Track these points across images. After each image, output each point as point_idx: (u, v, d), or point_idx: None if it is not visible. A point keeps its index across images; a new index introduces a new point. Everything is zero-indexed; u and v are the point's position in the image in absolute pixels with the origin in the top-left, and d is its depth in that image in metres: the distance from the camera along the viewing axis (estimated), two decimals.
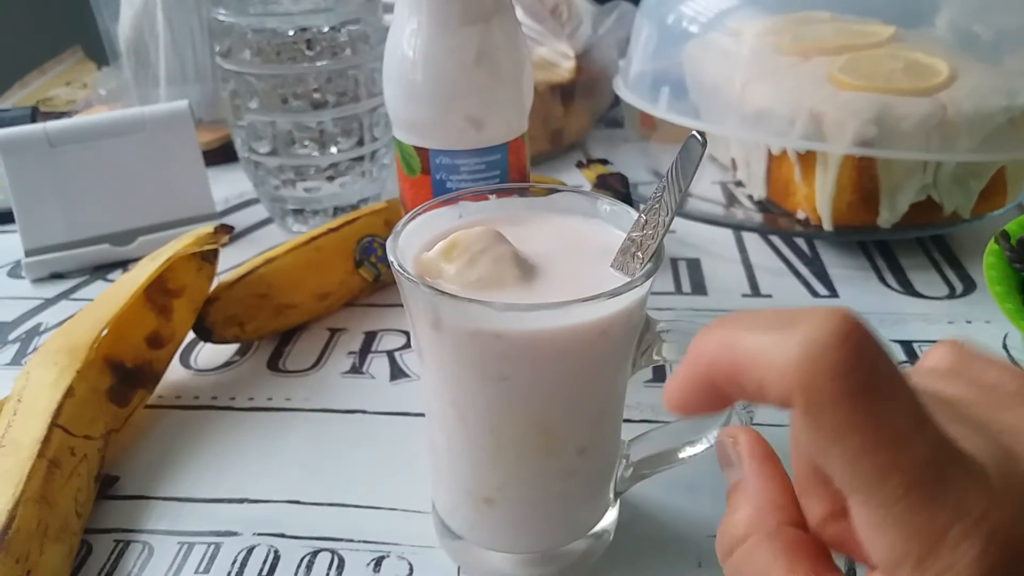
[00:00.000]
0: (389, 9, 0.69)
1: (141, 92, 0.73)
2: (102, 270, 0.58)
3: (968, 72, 0.53)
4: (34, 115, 0.70)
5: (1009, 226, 0.41)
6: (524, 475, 0.32)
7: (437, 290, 0.28)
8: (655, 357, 0.32)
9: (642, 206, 0.30)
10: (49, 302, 0.55)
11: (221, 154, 0.70)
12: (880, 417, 0.17)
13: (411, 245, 0.32)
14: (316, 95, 0.56)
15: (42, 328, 0.52)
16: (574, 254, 0.32)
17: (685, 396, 0.22)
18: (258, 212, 0.65)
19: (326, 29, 0.55)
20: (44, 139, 0.57)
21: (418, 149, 0.41)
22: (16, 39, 0.98)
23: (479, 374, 0.30)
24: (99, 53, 0.97)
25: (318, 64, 0.55)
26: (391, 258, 0.30)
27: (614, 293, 0.28)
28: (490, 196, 0.35)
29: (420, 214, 0.33)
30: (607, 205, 0.34)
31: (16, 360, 0.49)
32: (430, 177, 0.41)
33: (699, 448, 0.34)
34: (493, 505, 0.33)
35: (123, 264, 0.59)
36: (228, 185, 0.68)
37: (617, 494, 0.35)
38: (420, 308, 0.30)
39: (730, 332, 0.20)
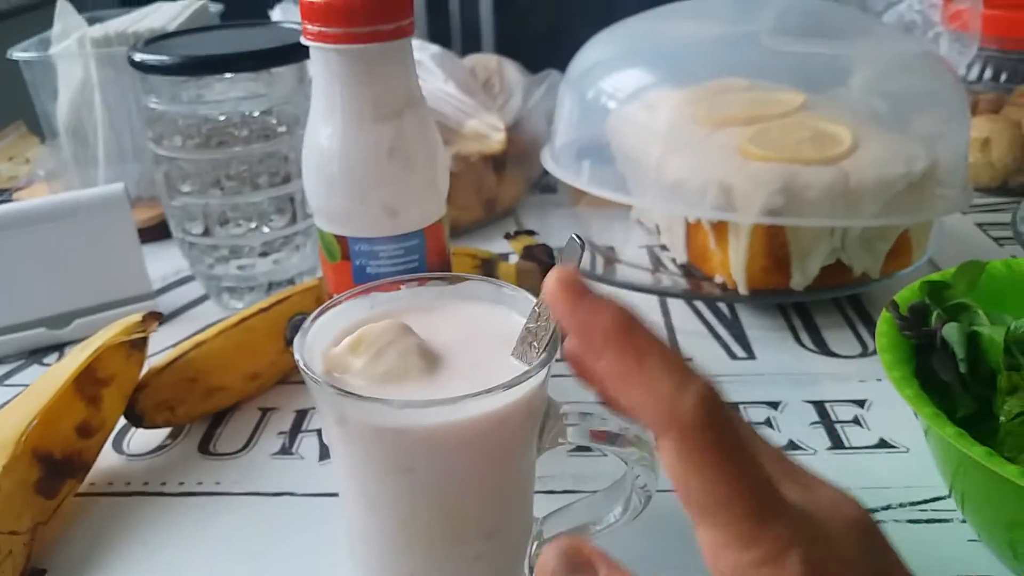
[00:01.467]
0: None
1: (80, 171, 0.74)
2: (38, 354, 0.59)
3: (870, 140, 0.56)
4: None
5: (899, 295, 0.43)
6: (434, 561, 0.33)
7: (339, 389, 0.30)
8: (560, 440, 0.33)
9: (537, 299, 0.31)
10: None
11: (160, 230, 0.71)
12: (728, 459, 0.21)
13: (321, 339, 0.34)
14: (249, 176, 0.57)
15: None
16: (479, 343, 0.34)
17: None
18: (195, 289, 0.66)
19: (257, 113, 0.57)
20: None
21: (337, 237, 0.43)
22: None
23: (385, 467, 0.31)
24: (40, 127, 0.98)
25: (250, 147, 0.57)
26: (297, 356, 0.32)
27: (510, 385, 0.30)
28: (402, 286, 0.37)
29: (330, 308, 0.35)
30: (509, 291, 0.36)
31: None
32: (351, 263, 0.43)
33: (608, 522, 0.35)
34: None
35: (60, 347, 0.59)
36: (166, 262, 0.69)
37: (531, 570, 0.36)
38: (325, 405, 0.31)
39: (633, 358, 0.22)
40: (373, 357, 0.32)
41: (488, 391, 0.29)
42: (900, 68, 0.64)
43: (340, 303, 0.35)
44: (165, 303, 0.64)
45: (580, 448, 0.46)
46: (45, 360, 0.58)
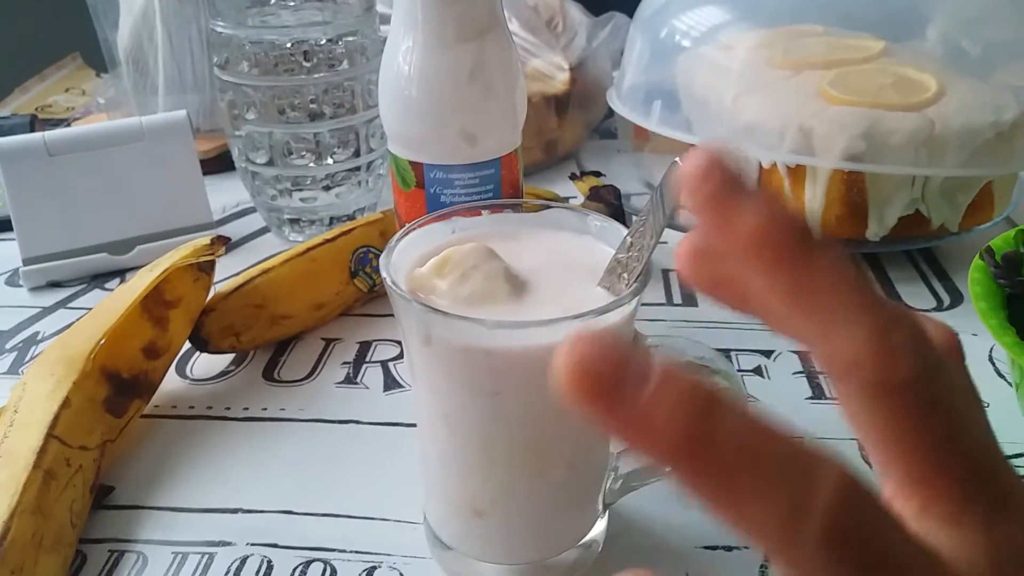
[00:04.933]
0: (386, 20, 0.70)
1: (139, 100, 0.73)
2: (100, 279, 0.59)
3: (956, 87, 0.53)
4: (32, 123, 0.70)
5: (994, 242, 0.41)
6: (514, 489, 0.32)
7: (428, 306, 0.29)
8: None
9: (629, 227, 0.30)
10: (46, 311, 0.55)
11: (219, 163, 0.71)
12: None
13: (404, 261, 0.33)
14: (313, 106, 0.56)
15: (39, 337, 0.53)
16: (564, 271, 0.33)
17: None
18: (255, 221, 0.65)
19: (323, 41, 0.56)
20: (43, 148, 0.57)
21: (413, 163, 0.42)
22: (16, 45, 0.98)
23: (469, 389, 0.30)
24: (98, 59, 0.97)
25: (315, 76, 0.56)
26: (384, 274, 0.31)
27: (602, 311, 0.28)
28: (483, 212, 0.36)
29: (413, 230, 0.34)
30: (597, 222, 0.35)
31: (13, 369, 0.50)
32: (424, 191, 0.42)
33: None
34: (484, 517, 0.33)
35: (121, 273, 0.59)
36: (226, 194, 0.69)
37: (606, 506, 0.36)
38: (412, 324, 0.30)
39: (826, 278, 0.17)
40: (459, 279, 0.31)
41: (580, 315, 0.28)
42: (985, 15, 0.61)
43: (422, 226, 0.34)
44: (226, 233, 0.63)
45: None
46: (107, 285, 0.58)
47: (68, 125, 0.80)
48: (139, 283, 0.45)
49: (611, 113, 0.79)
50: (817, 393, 0.46)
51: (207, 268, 0.47)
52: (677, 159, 0.28)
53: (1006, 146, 0.53)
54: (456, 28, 0.39)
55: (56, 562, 0.35)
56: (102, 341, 0.42)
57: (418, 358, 0.31)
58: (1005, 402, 0.44)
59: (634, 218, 0.30)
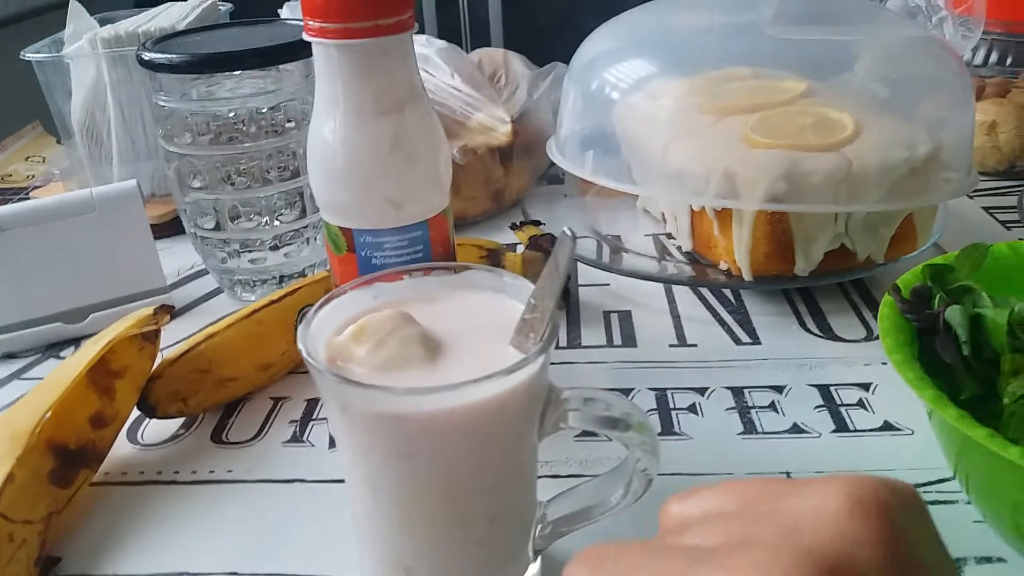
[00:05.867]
0: None
1: (95, 170, 0.75)
2: (55, 348, 0.60)
3: (872, 126, 0.56)
4: None
5: (901, 279, 0.43)
6: (437, 545, 0.34)
7: (340, 376, 0.31)
8: (561, 425, 0.34)
9: (532, 290, 0.32)
10: (1, 383, 0.56)
11: (173, 226, 0.72)
12: None
13: (324, 330, 0.34)
14: (258, 171, 0.58)
15: None
16: (481, 331, 0.35)
17: None
18: (208, 283, 0.67)
19: (266, 109, 0.58)
20: None
21: (343, 229, 0.43)
22: None
23: (386, 453, 0.32)
24: (56, 127, 0.99)
25: (259, 143, 0.58)
26: (300, 345, 0.32)
27: (508, 371, 0.30)
28: (405, 276, 0.37)
29: (333, 299, 0.35)
30: (512, 281, 0.36)
31: None
32: (356, 254, 0.43)
33: (613, 502, 0.35)
34: (411, 573, 0.35)
35: (76, 341, 0.61)
36: (179, 256, 0.70)
37: (536, 552, 0.37)
38: (328, 393, 0.32)
39: None
40: (375, 346, 0.33)
41: (487, 377, 0.30)
42: (903, 54, 0.63)
43: (344, 293, 0.36)
44: (180, 297, 0.65)
45: (585, 433, 0.47)
46: (62, 354, 0.59)
47: (28, 196, 0.81)
48: (85, 355, 0.46)
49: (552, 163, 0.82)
50: (748, 428, 0.47)
51: (151, 337, 0.48)
52: (565, 229, 0.30)
53: (921, 179, 0.55)
54: (375, 102, 0.41)
55: None
56: (48, 414, 0.43)
57: (338, 424, 0.33)
58: (927, 429, 0.46)
59: (536, 282, 0.32)
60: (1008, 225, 0.68)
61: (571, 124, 0.67)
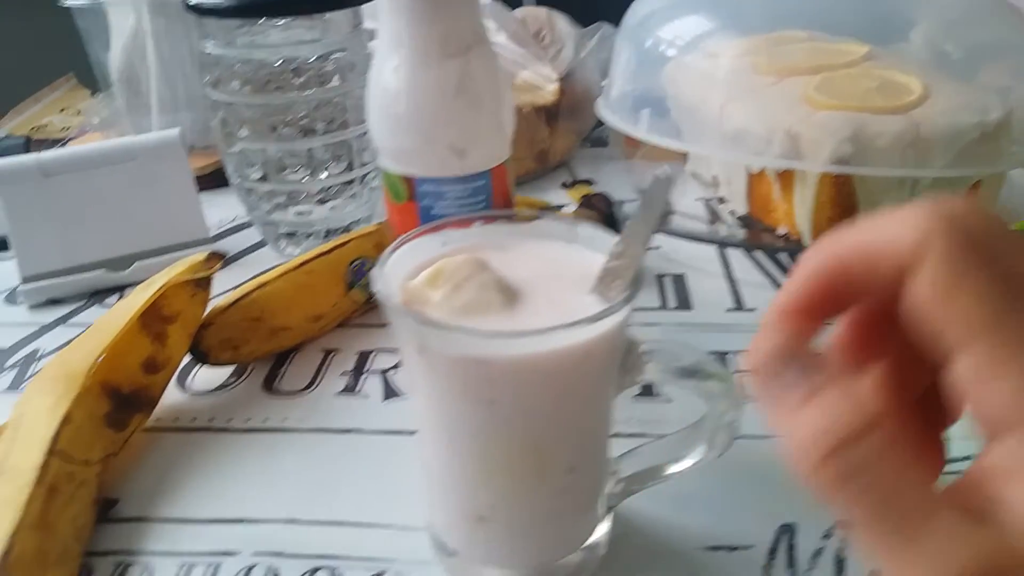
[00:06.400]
0: (374, 37, 0.70)
1: (133, 120, 0.74)
2: (99, 295, 0.59)
3: (941, 89, 0.54)
4: (27, 144, 0.71)
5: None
6: (515, 494, 0.33)
7: (423, 318, 0.30)
8: (638, 378, 0.33)
9: (618, 235, 0.31)
10: (46, 328, 0.56)
11: (214, 179, 0.71)
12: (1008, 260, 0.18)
13: (396, 273, 0.33)
14: (305, 122, 0.57)
15: (39, 354, 0.53)
16: (555, 280, 0.34)
17: (800, 297, 0.22)
18: (251, 236, 0.66)
19: (313, 59, 0.57)
20: (37, 169, 0.58)
21: (404, 177, 0.42)
22: (10, 66, 0.99)
23: (466, 398, 0.31)
24: (92, 80, 0.98)
25: (306, 93, 0.56)
26: (377, 287, 0.31)
27: (595, 319, 0.29)
28: (473, 224, 0.36)
29: (404, 243, 0.34)
30: (586, 230, 0.35)
31: (14, 385, 0.50)
32: (416, 204, 0.42)
33: (687, 463, 0.35)
34: (486, 523, 0.34)
35: (119, 289, 0.60)
36: (221, 209, 0.69)
37: (608, 509, 0.36)
38: (407, 335, 0.31)
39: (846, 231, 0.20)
40: (452, 290, 0.32)
41: (574, 324, 0.29)
42: (969, 17, 0.62)
43: (413, 239, 0.35)
44: (222, 248, 0.64)
45: (644, 392, 0.46)
46: (106, 301, 0.59)
47: (63, 145, 0.81)
48: (136, 300, 0.45)
49: (601, 122, 0.80)
50: None
51: (203, 284, 0.47)
52: (666, 166, 0.29)
53: (992, 146, 0.53)
54: (441, 45, 0.39)
55: (64, 575, 0.35)
56: (101, 357, 0.43)
57: (415, 369, 0.32)
58: None
59: (624, 226, 0.31)
60: None
61: (623, 83, 0.65)
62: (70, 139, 0.83)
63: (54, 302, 0.59)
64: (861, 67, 0.58)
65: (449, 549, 0.36)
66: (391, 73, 0.40)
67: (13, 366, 0.52)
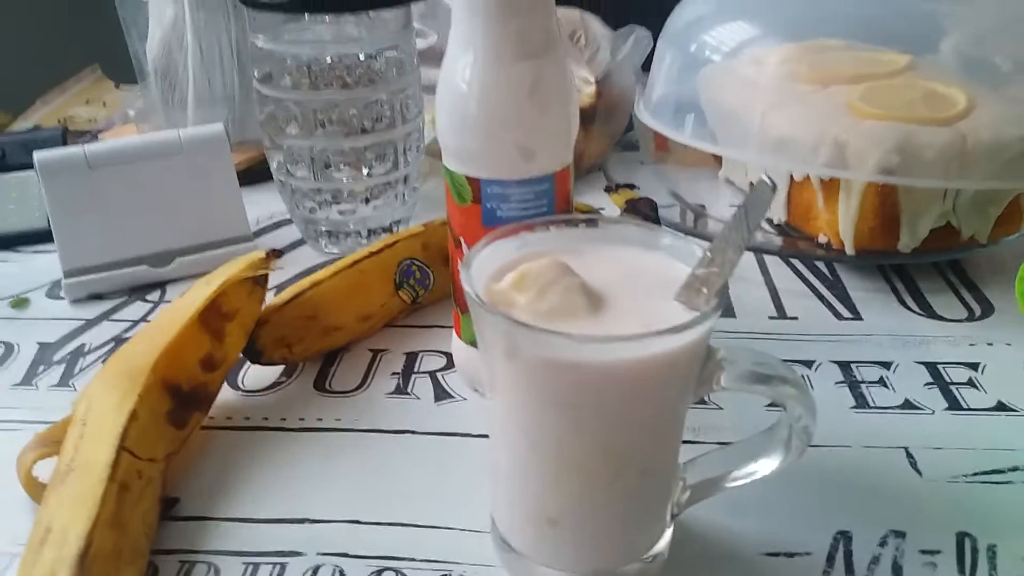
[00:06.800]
0: (421, 35, 0.71)
1: (168, 113, 0.74)
2: (140, 291, 0.59)
3: (984, 102, 0.55)
4: (64, 136, 0.71)
5: None
6: (589, 498, 0.33)
7: (516, 321, 0.30)
8: (714, 386, 0.33)
9: (708, 244, 0.31)
10: (90, 323, 0.56)
11: (248, 175, 0.71)
12: None
13: (479, 276, 0.34)
14: (353, 121, 0.57)
15: (86, 349, 0.53)
16: (635, 286, 0.34)
17: None
18: (289, 233, 0.66)
19: (363, 57, 0.57)
20: (83, 161, 0.58)
21: (470, 179, 0.42)
22: (35, 56, 0.99)
23: (551, 401, 0.31)
24: (117, 71, 0.98)
25: (356, 91, 0.56)
26: (467, 288, 0.32)
27: (686, 327, 0.29)
28: (549, 227, 0.37)
29: (487, 245, 0.35)
30: (668, 238, 0.35)
31: (63, 381, 0.50)
32: (481, 206, 0.43)
33: (761, 470, 0.35)
34: (557, 526, 0.34)
35: (160, 285, 0.60)
36: (257, 206, 0.69)
37: (673, 516, 0.37)
38: (496, 337, 0.31)
39: None
40: (537, 294, 0.32)
41: (667, 330, 0.29)
42: (1003, 28, 0.62)
43: (493, 241, 0.35)
44: (261, 246, 0.64)
45: (700, 401, 0.46)
46: (147, 297, 0.59)
47: (96, 137, 0.80)
48: (196, 296, 0.46)
49: (631, 126, 0.81)
50: (860, 403, 0.47)
51: (262, 281, 0.47)
52: (764, 177, 0.29)
53: None
54: (516, 45, 0.40)
55: (135, 573, 0.35)
56: (162, 354, 0.43)
57: (500, 371, 0.32)
58: None
59: (718, 234, 0.31)
60: None
61: (664, 87, 0.65)
62: (99, 131, 0.83)
63: (95, 297, 0.59)
64: (904, 77, 0.59)
65: (516, 551, 0.36)
66: (463, 73, 0.40)
67: (61, 361, 0.52)
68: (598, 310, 0.32)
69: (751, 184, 0.29)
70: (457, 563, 0.37)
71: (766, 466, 0.34)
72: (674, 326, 0.29)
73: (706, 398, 0.47)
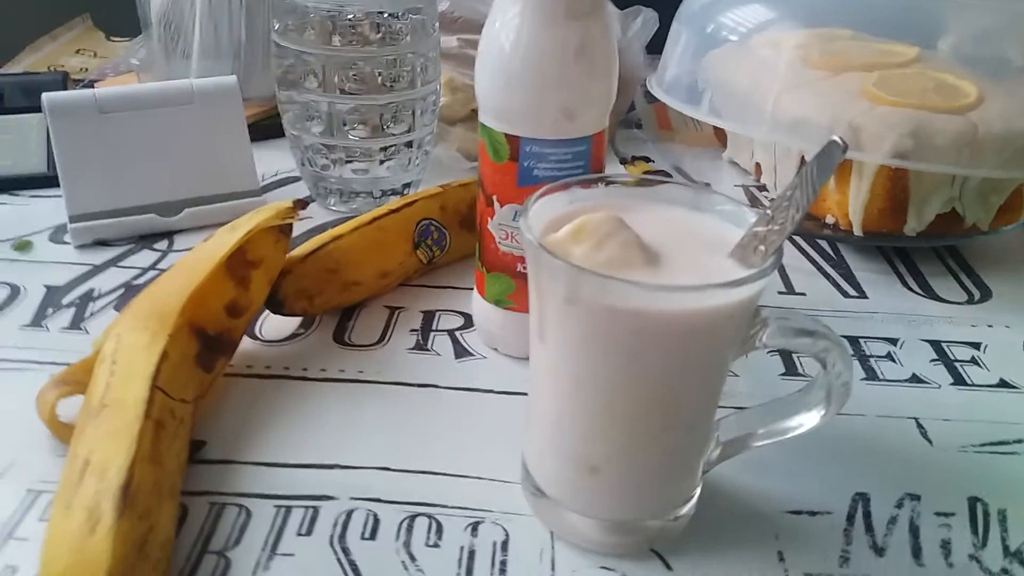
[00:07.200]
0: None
1: (170, 65, 0.73)
2: (148, 239, 0.58)
3: (995, 93, 0.57)
4: (65, 81, 0.69)
5: None
6: (634, 446, 0.34)
7: (580, 267, 0.30)
8: (757, 344, 0.34)
9: (769, 202, 0.32)
10: (98, 268, 0.55)
11: (250, 132, 0.70)
12: None
13: (535, 225, 0.34)
14: (373, 79, 0.57)
15: (95, 294, 0.52)
16: (687, 244, 0.35)
17: None
18: (294, 191, 0.66)
19: (387, 15, 0.56)
20: (94, 105, 0.56)
21: (509, 136, 0.43)
22: (24, 3, 0.96)
23: (609, 349, 0.32)
24: (108, 22, 0.96)
25: (379, 49, 0.56)
26: (528, 235, 0.32)
27: (748, 280, 0.30)
28: (599, 184, 0.37)
29: (542, 196, 0.35)
30: (716, 199, 0.36)
31: (75, 324, 0.49)
32: (518, 164, 0.43)
33: (789, 431, 0.36)
34: (598, 473, 0.35)
35: (168, 235, 0.59)
36: (260, 163, 0.67)
37: (703, 472, 0.37)
38: (555, 284, 0.31)
39: None
40: (595, 246, 0.32)
41: (732, 283, 0.30)
42: (1015, 24, 0.64)
43: (546, 194, 0.35)
44: (268, 202, 0.63)
45: None
46: (155, 245, 0.58)
47: (91, 87, 0.78)
48: (222, 242, 0.45)
49: (633, 106, 0.82)
50: (870, 375, 0.48)
51: (287, 231, 0.47)
52: (835, 137, 0.30)
53: None
54: (566, 5, 0.40)
55: (172, 510, 0.35)
56: (189, 298, 0.43)
57: (554, 318, 0.33)
58: None
59: (780, 193, 0.32)
60: None
61: (678, 67, 0.66)
62: (93, 81, 0.81)
63: (100, 243, 0.58)
64: (913, 67, 0.60)
65: (550, 499, 0.37)
66: (508, 31, 0.41)
67: (70, 305, 0.51)
68: (654, 264, 0.33)
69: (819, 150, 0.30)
70: (489, 511, 0.38)
71: (805, 422, 0.35)
72: (737, 279, 0.30)
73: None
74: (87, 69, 0.85)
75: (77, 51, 0.89)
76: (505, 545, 0.36)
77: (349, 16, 0.56)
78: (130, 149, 0.58)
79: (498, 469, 0.40)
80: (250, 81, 0.73)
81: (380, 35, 0.56)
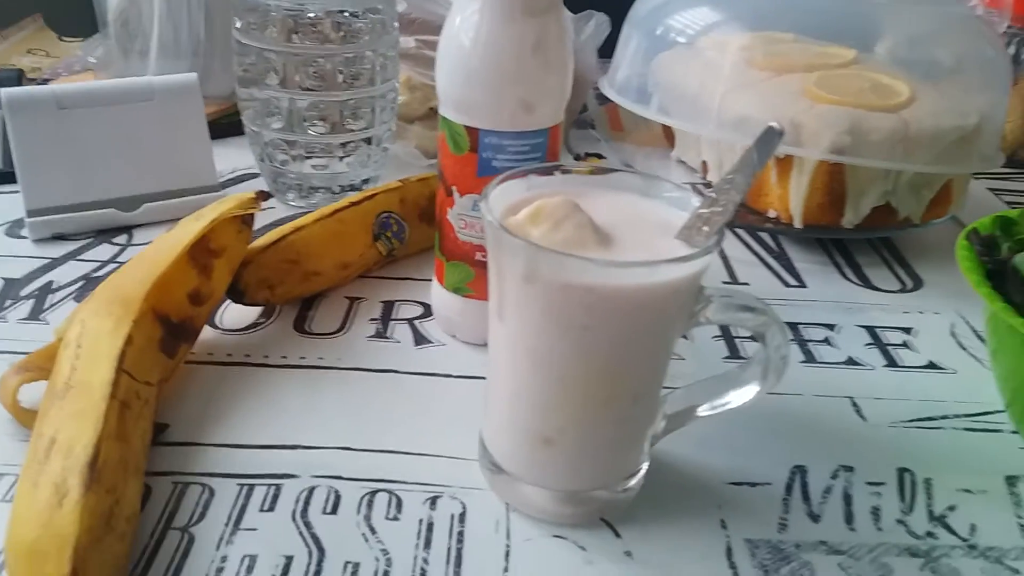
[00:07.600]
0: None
1: (126, 64, 0.73)
2: (107, 233, 0.59)
3: (925, 94, 0.60)
4: (20, 78, 0.69)
5: (978, 223, 0.47)
6: (585, 418, 0.36)
7: (538, 246, 0.32)
8: (702, 319, 0.36)
9: (711, 186, 0.34)
10: (57, 261, 0.55)
11: (212, 130, 0.71)
12: None
13: (495, 209, 0.36)
14: (334, 76, 0.58)
15: (54, 286, 0.52)
16: (637, 226, 0.36)
17: None
18: (252, 187, 0.66)
19: (347, 14, 0.58)
20: (53, 101, 0.57)
21: (468, 128, 0.44)
22: None
23: (562, 323, 0.33)
24: (59, 22, 0.96)
25: (338, 47, 0.57)
26: (488, 217, 0.34)
27: (693, 257, 0.32)
28: (555, 172, 0.39)
29: (502, 183, 0.37)
30: (663, 186, 0.38)
31: (33, 315, 0.50)
32: (477, 155, 0.44)
33: (730, 403, 0.38)
34: (552, 445, 0.37)
35: (127, 229, 0.59)
36: (219, 160, 0.68)
37: (651, 444, 0.39)
38: (515, 262, 0.33)
39: None
40: (552, 227, 0.34)
41: (678, 259, 0.32)
42: (948, 29, 0.67)
43: (505, 181, 0.37)
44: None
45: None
46: (114, 240, 0.58)
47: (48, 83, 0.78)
48: (185, 231, 0.46)
49: (586, 107, 0.84)
50: (808, 358, 0.51)
51: (249, 221, 0.48)
52: (773, 124, 0.32)
53: (965, 148, 0.59)
54: (524, 2, 0.42)
55: (137, 487, 0.36)
56: (153, 285, 0.43)
57: (513, 296, 0.34)
58: (969, 370, 0.50)
59: (723, 176, 0.34)
60: (1013, 206, 0.74)
61: (629, 68, 0.68)
62: (47, 80, 0.81)
63: (58, 237, 0.58)
64: (852, 69, 0.63)
65: (506, 472, 0.38)
66: (470, 27, 0.42)
67: (29, 296, 0.51)
68: (607, 245, 0.34)
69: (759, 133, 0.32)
70: (448, 486, 0.39)
71: (745, 394, 0.38)
72: (683, 255, 0.32)
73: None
74: (40, 69, 0.85)
75: (29, 51, 0.89)
76: (463, 517, 0.38)
77: (310, 15, 0.57)
78: (89, 145, 0.58)
79: (457, 448, 0.41)
80: (208, 80, 0.73)
81: (341, 33, 0.57)
